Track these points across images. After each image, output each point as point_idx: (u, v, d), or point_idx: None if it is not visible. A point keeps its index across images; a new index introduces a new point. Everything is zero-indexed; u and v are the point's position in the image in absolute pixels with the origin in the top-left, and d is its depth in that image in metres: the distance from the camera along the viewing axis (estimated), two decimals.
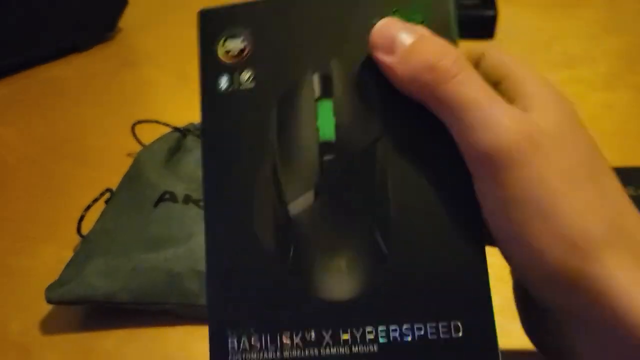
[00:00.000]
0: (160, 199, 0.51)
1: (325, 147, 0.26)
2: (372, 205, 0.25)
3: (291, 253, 0.25)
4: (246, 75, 0.27)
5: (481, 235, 0.24)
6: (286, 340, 0.24)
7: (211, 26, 0.27)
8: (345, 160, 0.25)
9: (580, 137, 0.24)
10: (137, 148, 0.65)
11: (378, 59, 0.25)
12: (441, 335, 0.23)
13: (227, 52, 0.27)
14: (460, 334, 0.23)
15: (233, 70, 0.27)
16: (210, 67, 0.28)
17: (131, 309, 0.46)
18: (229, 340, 0.25)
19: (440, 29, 0.25)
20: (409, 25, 0.25)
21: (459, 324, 0.23)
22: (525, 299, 0.28)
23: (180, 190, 0.53)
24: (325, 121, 0.26)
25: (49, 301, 0.44)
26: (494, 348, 0.23)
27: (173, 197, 0.52)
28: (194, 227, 0.48)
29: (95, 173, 0.62)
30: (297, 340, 0.24)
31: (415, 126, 0.25)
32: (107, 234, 0.49)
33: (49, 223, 0.57)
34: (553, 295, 0.23)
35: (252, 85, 0.27)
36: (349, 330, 0.24)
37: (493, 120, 0.22)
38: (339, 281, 0.24)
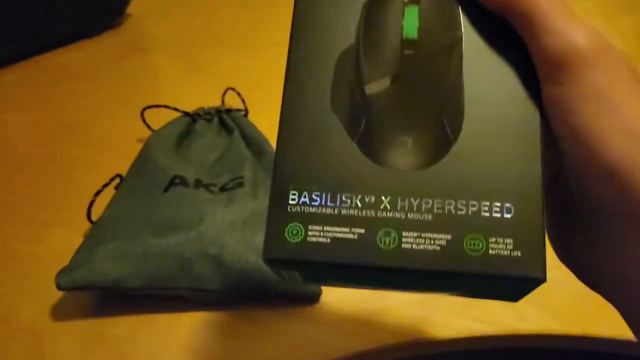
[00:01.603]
0: (171, 184, 0.51)
1: (407, 43, 0.29)
2: (444, 96, 0.28)
3: (362, 126, 0.27)
4: None
5: (541, 137, 0.27)
6: (345, 200, 0.27)
7: None
8: (424, 56, 0.28)
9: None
10: (147, 133, 0.64)
11: None
12: (493, 214, 0.26)
13: None
14: (511, 215, 0.26)
15: None
16: None
17: (142, 294, 0.45)
18: (290, 194, 0.27)
19: None
20: None
21: (511, 206, 0.26)
22: (565, 210, 0.30)
23: (190, 174, 0.52)
24: (410, 22, 0.29)
25: (59, 287, 0.44)
26: (540, 230, 0.26)
27: (183, 182, 0.51)
28: (205, 211, 0.48)
29: (104, 158, 0.62)
30: (356, 200, 0.26)
31: (491, 37, 0.29)
32: (117, 219, 0.49)
33: (59, 209, 0.56)
34: (609, 191, 0.25)
35: None
36: (406, 199, 0.26)
37: (572, 28, 0.26)
38: (403, 154, 0.27)
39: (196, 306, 0.46)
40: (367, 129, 0.27)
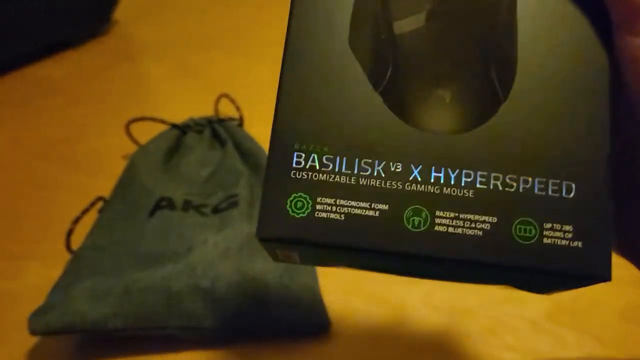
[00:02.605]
0: (157, 207, 0.45)
1: None
2: (492, 41, 0.22)
3: (388, 74, 0.22)
4: None
5: (610, 98, 0.22)
6: (365, 167, 0.22)
7: None
8: None
9: None
10: (134, 149, 0.59)
11: None
12: (550, 193, 0.21)
13: None
14: (572, 195, 0.21)
15: None
16: None
17: (126, 336, 0.40)
18: (295, 155, 0.22)
19: None
20: None
21: (573, 184, 0.21)
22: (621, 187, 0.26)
23: (178, 195, 0.47)
24: None
25: (33, 332, 0.39)
26: (606, 216, 0.21)
27: (171, 204, 0.46)
28: (195, 238, 0.43)
29: (88, 179, 0.57)
30: (378, 168, 0.22)
31: None
32: (98, 250, 0.43)
33: (37, 238, 0.51)
34: None
35: None
36: (442, 170, 0.22)
37: None
38: (440, 112, 0.22)
39: (189, 346, 0.41)
40: (395, 77, 0.22)
